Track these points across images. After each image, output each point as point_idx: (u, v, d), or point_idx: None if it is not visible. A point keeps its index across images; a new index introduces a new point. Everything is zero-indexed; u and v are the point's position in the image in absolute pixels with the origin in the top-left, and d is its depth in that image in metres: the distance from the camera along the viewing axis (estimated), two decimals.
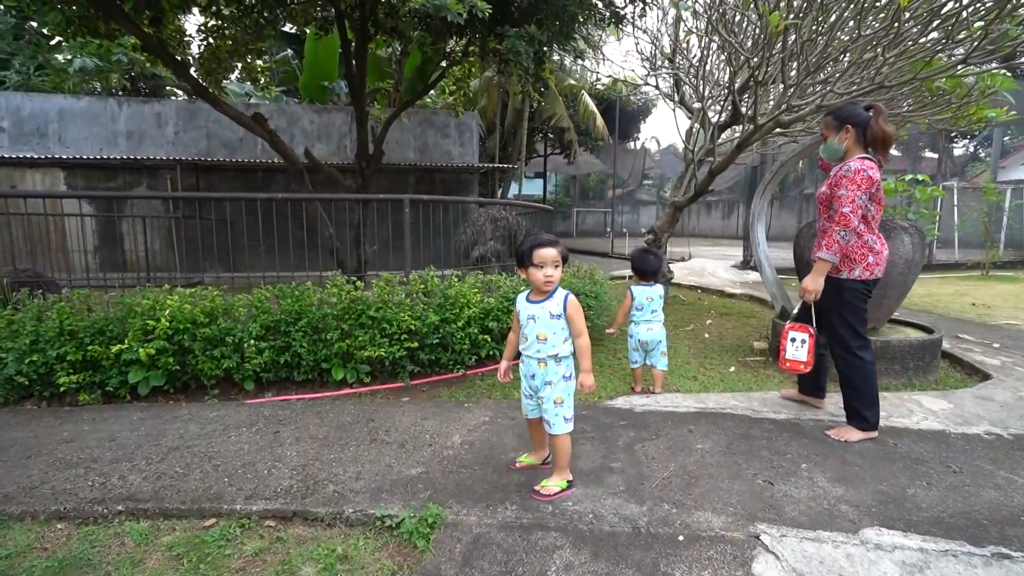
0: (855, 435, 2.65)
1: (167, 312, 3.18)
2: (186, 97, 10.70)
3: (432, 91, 11.49)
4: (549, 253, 2.03)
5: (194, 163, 9.64)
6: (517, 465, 2.35)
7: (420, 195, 4.37)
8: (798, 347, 2.75)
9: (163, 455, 2.46)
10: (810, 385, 3.09)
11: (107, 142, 9.84)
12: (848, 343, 2.69)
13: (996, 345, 4.53)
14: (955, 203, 13.23)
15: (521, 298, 2.19)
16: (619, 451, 2.52)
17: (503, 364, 2.28)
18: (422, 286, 3.72)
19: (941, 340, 3.78)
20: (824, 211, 2.77)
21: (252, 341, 3.27)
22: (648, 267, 3.39)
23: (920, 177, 6.37)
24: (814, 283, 2.65)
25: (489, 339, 3.72)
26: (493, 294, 3.93)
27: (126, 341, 3.13)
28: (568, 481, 2.14)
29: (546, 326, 2.06)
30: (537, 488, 2.11)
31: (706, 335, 5.04)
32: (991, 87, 3.68)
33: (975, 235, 11.77)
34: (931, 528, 1.91)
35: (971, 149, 27.03)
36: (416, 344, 3.50)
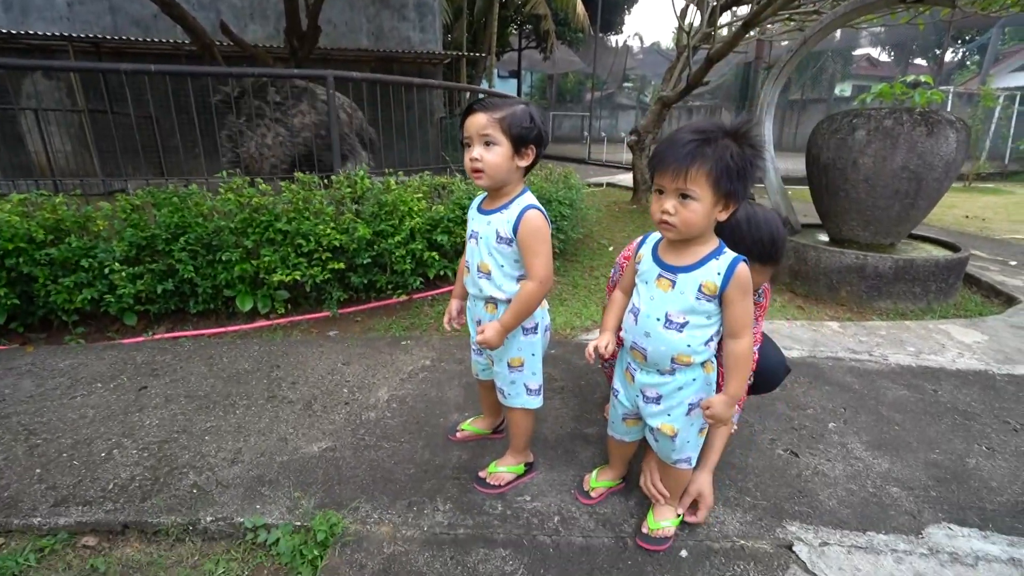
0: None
1: None
2: None
3: None
4: (474, 121, 1.23)
5: (94, 42, 7.94)
6: (458, 435, 1.73)
7: (348, 72, 3.36)
8: None
9: None
10: None
11: None
12: None
13: (1013, 263, 4.06)
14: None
15: (474, 204, 1.42)
16: (596, 409, 1.94)
17: (452, 304, 1.53)
18: (349, 190, 2.89)
19: (968, 259, 3.24)
20: None
21: (116, 265, 2.47)
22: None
23: (923, 78, 5.57)
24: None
25: (438, 256, 2.98)
26: (443, 200, 3.14)
27: None
28: (526, 465, 1.54)
29: (491, 252, 1.32)
30: (483, 475, 1.51)
31: None
32: None
33: None
34: (1015, 523, 1.41)
35: (961, 55, 25.66)
36: (343, 264, 2.76)
